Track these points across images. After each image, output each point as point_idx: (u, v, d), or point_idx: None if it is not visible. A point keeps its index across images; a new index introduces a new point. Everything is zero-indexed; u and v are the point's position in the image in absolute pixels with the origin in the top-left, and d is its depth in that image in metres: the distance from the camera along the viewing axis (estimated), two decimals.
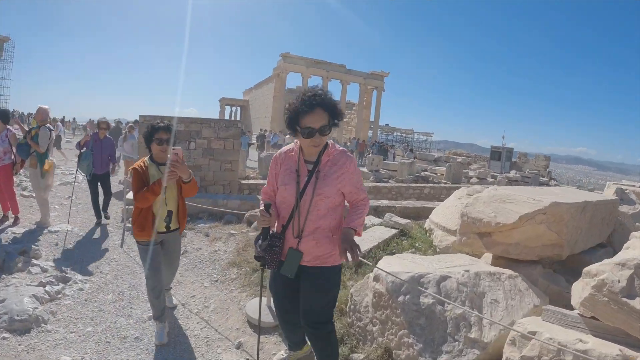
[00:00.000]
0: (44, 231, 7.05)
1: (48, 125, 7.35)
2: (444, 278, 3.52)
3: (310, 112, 2.51)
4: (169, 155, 3.46)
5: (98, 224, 8.06)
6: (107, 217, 8.36)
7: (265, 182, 3.88)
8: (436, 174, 24.58)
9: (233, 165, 10.99)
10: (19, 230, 6.89)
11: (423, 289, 3.31)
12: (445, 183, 21.59)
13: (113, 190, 9.11)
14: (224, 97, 62.12)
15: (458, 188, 8.53)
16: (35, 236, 6.76)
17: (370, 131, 50.35)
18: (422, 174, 23.58)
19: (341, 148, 2.82)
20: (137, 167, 3.67)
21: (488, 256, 4.64)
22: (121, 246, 6.88)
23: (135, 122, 16.72)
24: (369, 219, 7.97)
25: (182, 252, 6.24)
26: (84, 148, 7.96)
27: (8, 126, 7.14)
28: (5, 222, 7.27)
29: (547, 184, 25.92)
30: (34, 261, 5.59)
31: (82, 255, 6.31)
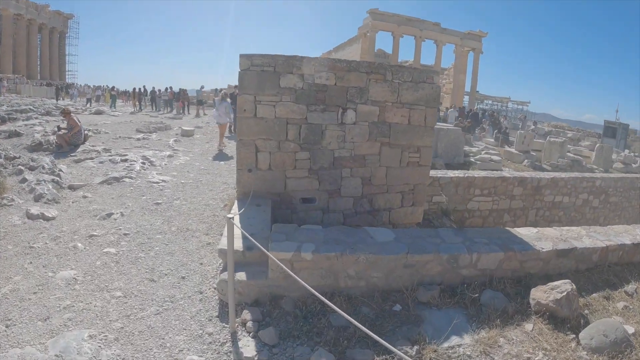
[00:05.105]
0: None
1: None
2: None
3: None
4: None
5: None
6: None
7: None
8: (581, 155, 19.49)
9: (423, 155, 5.52)
10: None
11: None
12: (597, 169, 17.04)
13: None
14: None
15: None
16: None
17: (464, 98, 42.92)
18: (570, 156, 17.84)
19: None
20: None
21: None
22: None
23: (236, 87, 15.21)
24: None
25: None
26: None
27: None
28: None
29: None
30: None
31: None
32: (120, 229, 5.31)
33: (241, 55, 4.97)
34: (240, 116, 5.02)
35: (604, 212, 12.46)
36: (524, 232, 4.82)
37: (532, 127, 25.46)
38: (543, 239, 4.57)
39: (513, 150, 16.08)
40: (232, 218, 2.83)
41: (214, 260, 4.45)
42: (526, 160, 15.16)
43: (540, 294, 3.55)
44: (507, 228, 5.00)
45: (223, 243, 3.66)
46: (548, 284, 3.65)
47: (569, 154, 18.02)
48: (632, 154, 22.27)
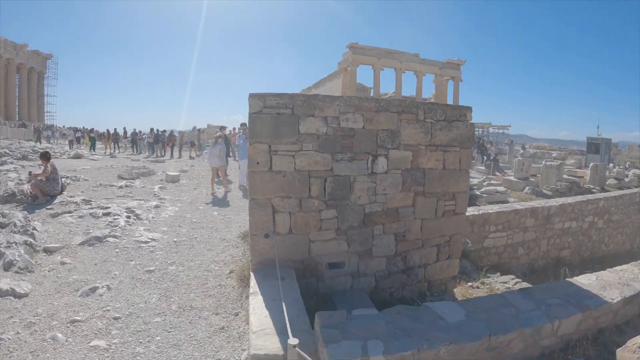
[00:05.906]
0: None
1: None
2: None
3: None
4: None
5: None
6: None
7: None
8: (576, 176, 19.38)
9: (458, 202, 4.75)
10: None
11: None
12: (594, 188, 17.07)
13: None
14: None
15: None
16: None
17: None
18: (567, 178, 17.64)
19: None
20: None
21: None
22: None
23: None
24: None
25: None
26: None
27: None
28: None
29: None
30: None
31: None
32: (108, 309, 4.32)
33: (251, 95, 4.17)
34: (253, 170, 4.16)
35: (607, 231, 12.37)
36: (586, 282, 4.39)
37: (521, 151, 25.25)
38: (607, 287, 4.20)
39: (512, 178, 15.62)
40: (296, 345, 1.93)
41: (234, 353, 3.50)
42: (527, 188, 14.71)
43: (629, 355, 3.14)
44: (568, 280, 4.48)
45: (257, 346, 2.74)
46: (631, 341, 3.25)
47: (565, 176, 17.80)
48: (617, 167, 22.84)
